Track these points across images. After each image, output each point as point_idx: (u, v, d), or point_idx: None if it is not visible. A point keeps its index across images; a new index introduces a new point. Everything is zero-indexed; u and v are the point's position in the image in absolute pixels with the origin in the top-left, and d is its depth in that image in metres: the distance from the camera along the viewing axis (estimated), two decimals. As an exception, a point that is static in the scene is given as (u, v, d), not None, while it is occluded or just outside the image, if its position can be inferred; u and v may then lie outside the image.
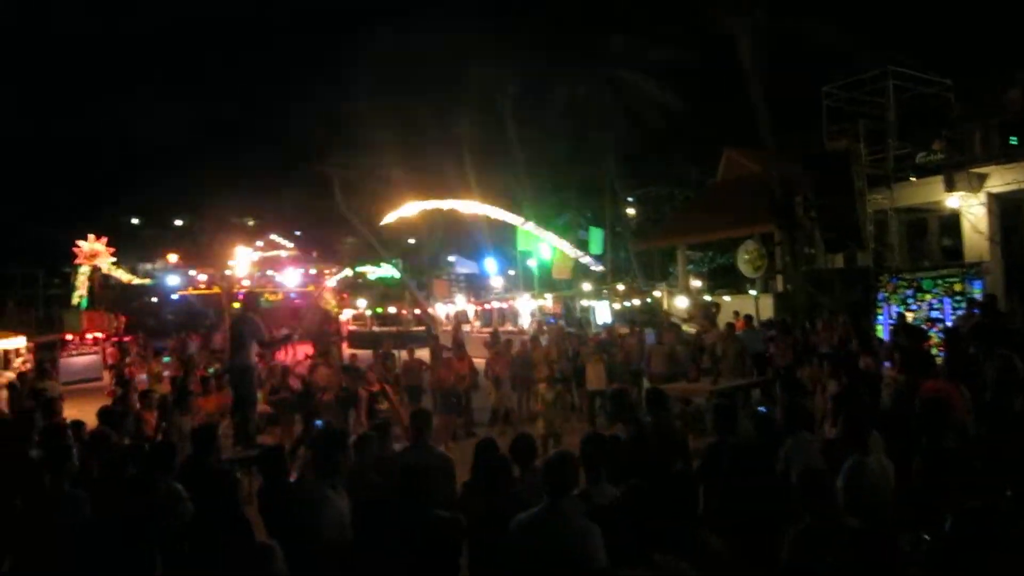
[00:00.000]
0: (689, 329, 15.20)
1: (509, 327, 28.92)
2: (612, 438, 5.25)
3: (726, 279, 29.85)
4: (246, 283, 43.18)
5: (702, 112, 28.74)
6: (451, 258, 42.86)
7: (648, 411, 6.41)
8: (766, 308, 18.26)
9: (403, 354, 14.33)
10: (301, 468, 7.76)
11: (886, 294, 14.88)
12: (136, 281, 43.07)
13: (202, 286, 46.68)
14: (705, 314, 14.11)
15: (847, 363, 9.00)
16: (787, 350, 11.93)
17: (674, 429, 6.54)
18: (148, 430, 8.90)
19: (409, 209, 22.52)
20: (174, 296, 45.33)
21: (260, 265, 48.86)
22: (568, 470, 4.05)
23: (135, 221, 55.13)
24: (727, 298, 21.93)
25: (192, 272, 48.50)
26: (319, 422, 10.33)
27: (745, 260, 19.64)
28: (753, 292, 21.28)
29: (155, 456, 5.63)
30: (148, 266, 48.48)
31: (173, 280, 46.55)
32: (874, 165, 17.36)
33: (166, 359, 20.65)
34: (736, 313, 15.06)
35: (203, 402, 10.79)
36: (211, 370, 14.56)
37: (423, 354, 15.02)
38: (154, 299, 45.38)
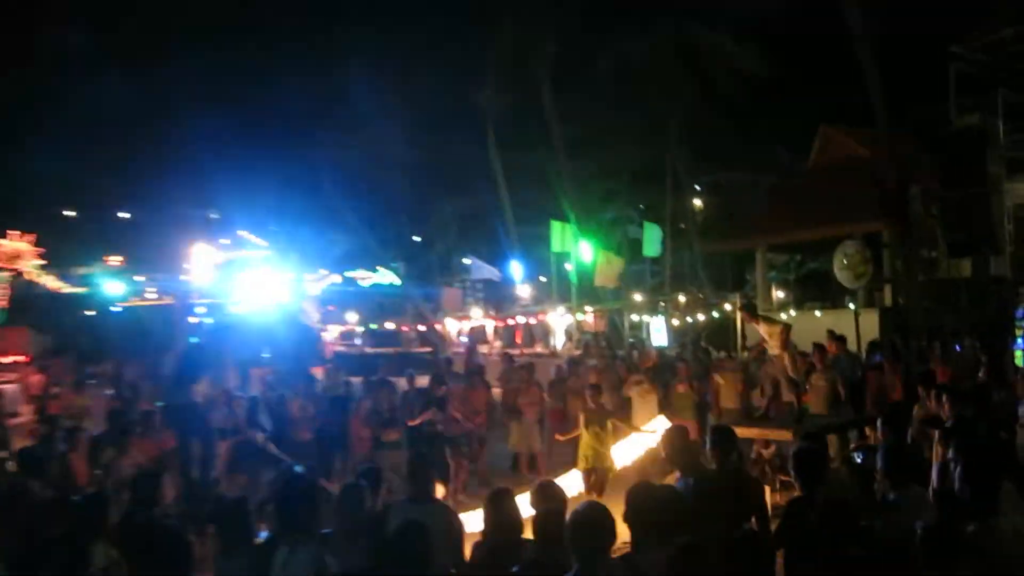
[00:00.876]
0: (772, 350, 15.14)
1: (539, 348, 28.91)
2: (666, 490, 5.23)
3: (818, 290, 29.64)
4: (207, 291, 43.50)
5: (794, 79, 28.58)
6: (466, 260, 42.87)
7: (713, 456, 6.39)
8: (870, 327, 18.10)
9: (402, 382, 14.36)
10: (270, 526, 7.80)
11: (1028, 310, 14.72)
12: (67, 289, 43.54)
13: (151, 295, 47.05)
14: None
15: (976, 397, 8.90)
16: (896, 380, 11.82)
17: (746, 479, 6.52)
18: (77, 478, 8.99)
19: None
20: (115, 308, 45.67)
21: (224, 268, 49.22)
22: (602, 528, 4.05)
23: (68, 213, 55.54)
24: (818, 313, 21.79)
25: (138, 278, 48.94)
26: (297, 467, 10.35)
27: (843, 266, 19.42)
28: (852, 306, 21.14)
29: (85, 511, 5.69)
30: (83, 270, 48.93)
31: (114, 288, 46.99)
32: (1016, 147, 17.15)
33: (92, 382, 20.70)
34: (830, 333, 14.87)
35: (141, 444, 10.75)
36: (159, 403, 14.65)
37: (427, 382, 15.05)
38: (90, 312, 45.70)
